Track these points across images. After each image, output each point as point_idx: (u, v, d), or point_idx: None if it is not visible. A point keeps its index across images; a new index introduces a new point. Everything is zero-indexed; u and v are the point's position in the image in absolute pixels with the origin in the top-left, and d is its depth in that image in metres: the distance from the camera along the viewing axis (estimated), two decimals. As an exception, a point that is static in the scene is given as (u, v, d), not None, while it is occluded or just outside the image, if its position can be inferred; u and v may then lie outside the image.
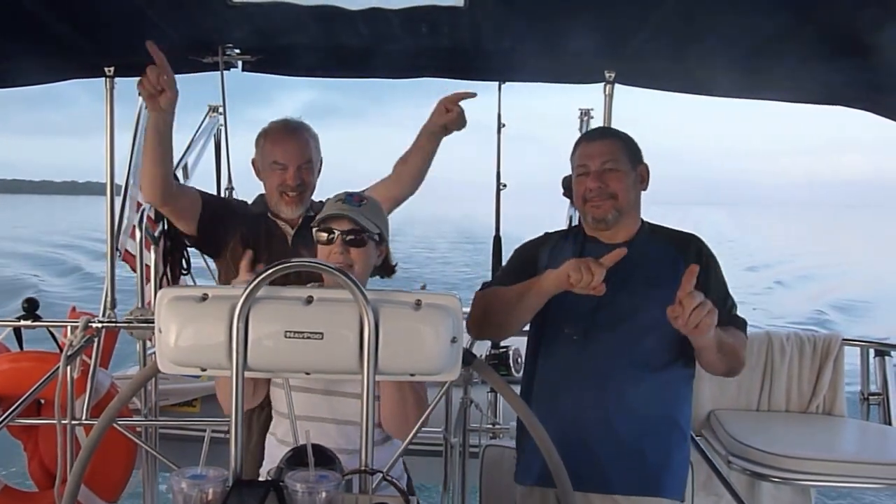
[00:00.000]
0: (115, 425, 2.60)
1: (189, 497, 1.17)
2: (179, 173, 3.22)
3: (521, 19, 2.43)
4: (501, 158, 3.32)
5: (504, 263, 2.28)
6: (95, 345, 3.00)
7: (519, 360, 3.55)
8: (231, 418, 1.24)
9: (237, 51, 2.87)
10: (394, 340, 1.23)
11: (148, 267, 3.20)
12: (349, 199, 1.82)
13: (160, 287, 3.00)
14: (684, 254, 1.99)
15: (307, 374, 1.31)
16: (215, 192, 3.79)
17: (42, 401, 3.12)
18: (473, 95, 2.27)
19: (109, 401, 2.86)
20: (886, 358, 3.14)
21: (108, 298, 3.13)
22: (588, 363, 1.98)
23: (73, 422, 2.87)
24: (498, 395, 3.25)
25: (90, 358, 3.01)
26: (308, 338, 1.21)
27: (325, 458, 1.31)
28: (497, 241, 3.33)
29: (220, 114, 3.73)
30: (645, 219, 2.11)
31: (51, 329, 3.26)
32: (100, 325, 3.02)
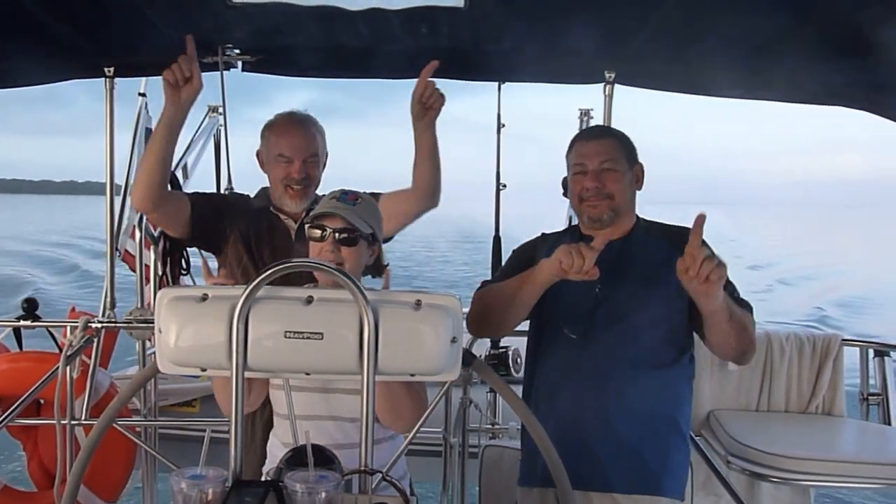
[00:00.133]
0: (114, 425, 2.60)
1: (189, 497, 1.17)
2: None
3: (521, 19, 2.43)
4: (501, 158, 3.32)
5: (503, 264, 2.28)
6: (95, 345, 3.00)
7: (518, 360, 3.55)
8: (231, 418, 1.24)
9: (237, 51, 2.86)
10: (393, 340, 1.23)
11: (147, 267, 3.20)
12: (343, 197, 1.81)
13: (160, 287, 3.01)
14: (679, 248, 1.98)
15: (307, 374, 1.31)
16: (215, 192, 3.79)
17: (41, 401, 3.12)
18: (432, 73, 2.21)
19: (109, 401, 2.86)
20: (886, 358, 3.14)
21: (108, 298, 3.13)
22: (587, 363, 1.98)
23: (73, 422, 2.87)
24: (497, 395, 3.25)
25: (90, 358, 3.01)
26: (308, 338, 1.21)
27: (324, 458, 1.31)
28: (497, 241, 3.33)
29: (220, 114, 3.73)
30: (641, 216, 2.11)
31: (50, 329, 3.26)
32: (99, 325, 3.02)
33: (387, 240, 2.42)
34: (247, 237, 2.38)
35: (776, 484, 2.74)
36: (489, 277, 3.31)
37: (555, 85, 3.16)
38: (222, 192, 3.71)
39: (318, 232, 1.76)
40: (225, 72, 2.92)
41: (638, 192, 2.10)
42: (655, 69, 2.89)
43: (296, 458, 1.31)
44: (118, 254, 3.25)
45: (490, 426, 3.17)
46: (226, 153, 3.66)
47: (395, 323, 1.23)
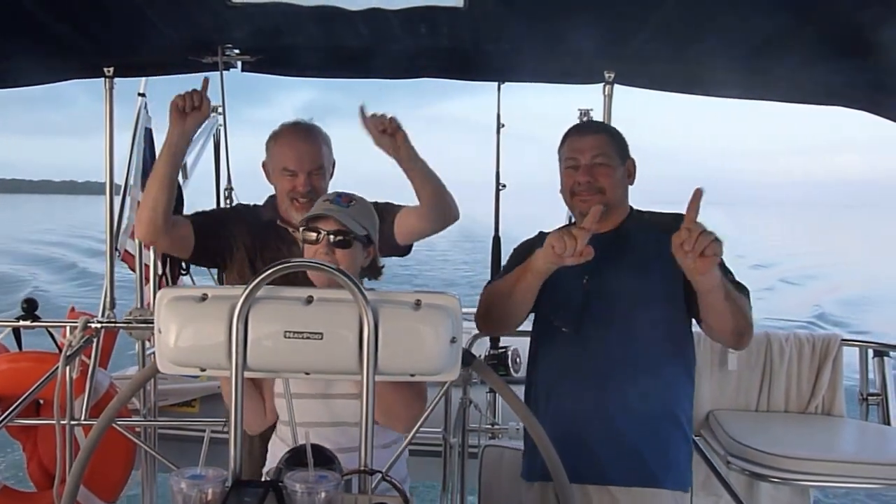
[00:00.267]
0: (114, 425, 2.60)
1: (188, 497, 1.17)
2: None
3: (520, 19, 2.43)
4: (501, 158, 3.33)
5: (503, 263, 2.28)
6: (94, 345, 3.00)
7: (518, 360, 3.55)
8: (231, 418, 1.24)
9: (237, 51, 2.86)
10: (393, 341, 1.23)
11: (147, 267, 3.20)
12: (337, 199, 1.81)
13: (159, 287, 3.01)
14: (670, 234, 1.97)
15: (307, 374, 1.31)
16: (214, 193, 3.79)
17: (41, 401, 3.12)
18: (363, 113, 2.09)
19: (108, 401, 2.87)
20: (885, 358, 3.14)
21: (108, 298, 3.13)
22: (582, 356, 1.98)
23: (72, 422, 2.87)
24: (497, 395, 3.25)
25: (89, 358, 3.01)
26: (308, 338, 1.21)
27: (324, 458, 1.31)
28: (496, 241, 3.33)
29: (220, 114, 3.73)
30: (635, 207, 2.10)
31: (50, 329, 3.26)
32: (99, 325, 3.02)
33: (407, 250, 2.41)
34: (252, 250, 2.35)
35: (776, 484, 2.74)
36: (489, 277, 3.33)
37: (554, 85, 3.16)
38: (222, 191, 3.71)
39: (312, 235, 1.76)
40: (224, 72, 2.92)
41: (635, 193, 2.10)
42: (655, 69, 2.89)
43: (295, 458, 1.31)
44: (118, 254, 3.25)
45: (490, 426, 3.17)
46: (225, 153, 3.66)
47: (395, 323, 1.23)
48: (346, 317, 1.22)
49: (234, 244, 2.37)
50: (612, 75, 2.96)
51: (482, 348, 3.57)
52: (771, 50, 2.40)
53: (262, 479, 1.30)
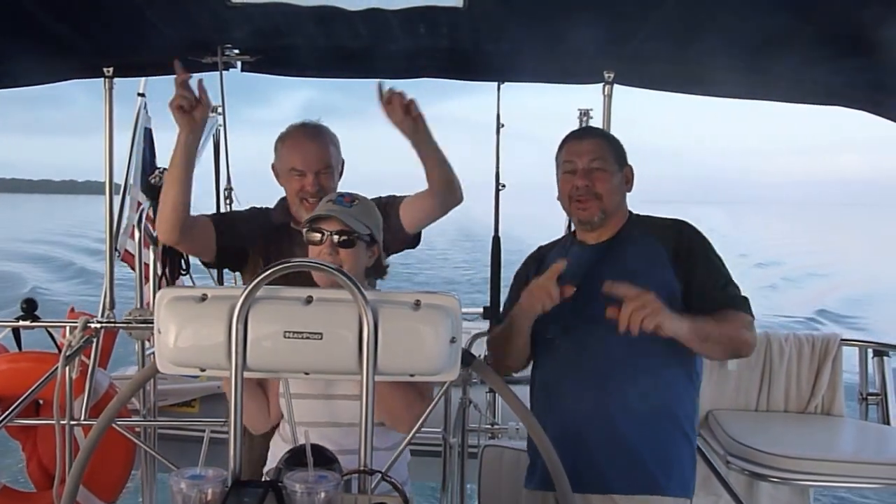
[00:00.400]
0: (114, 425, 2.60)
1: (188, 497, 1.17)
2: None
3: (520, 19, 2.43)
4: (500, 158, 3.32)
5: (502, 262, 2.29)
6: (94, 345, 3.00)
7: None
8: (230, 418, 1.24)
9: (236, 51, 2.87)
10: (393, 341, 1.22)
11: (147, 266, 3.20)
12: (339, 199, 1.82)
13: (159, 287, 3.01)
14: (665, 241, 1.97)
15: (306, 374, 1.31)
16: (214, 193, 3.79)
17: (41, 401, 3.12)
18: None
19: (108, 401, 2.87)
20: (885, 358, 3.14)
21: (107, 298, 3.13)
22: (574, 366, 1.98)
23: (72, 422, 2.87)
24: (497, 395, 3.25)
25: (89, 358, 3.01)
26: (307, 338, 1.21)
27: (324, 458, 1.31)
28: (496, 241, 3.33)
29: (220, 114, 3.73)
30: (634, 212, 2.10)
31: (49, 329, 3.26)
32: (98, 325, 3.02)
33: (417, 239, 2.42)
34: (267, 255, 2.36)
35: (775, 484, 2.74)
36: (488, 276, 3.33)
37: (554, 85, 3.16)
38: (221, 191, 3.71)
39: (317, 235, 1.77)
40: (224, 72, 2.92)
41: (636, 193, 2.09)
42: (655, 69, 2.89)
43: (294, 458, 1.31)
44: (117, 254, 3.25)
45: (489, 426, 3.17)
46: (225, 153, 3.66)
47: (395, 323, 1.23)
48: (345, 317, 1.22)
49: (250, 247, 2.38)
50: (612, 75, 2.96)
51: (482, 348, 3.57)
52: (771, 50, 2.40)
53: (262, 479, 1.30)
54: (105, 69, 2.93)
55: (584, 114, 3.28)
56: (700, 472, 2.72)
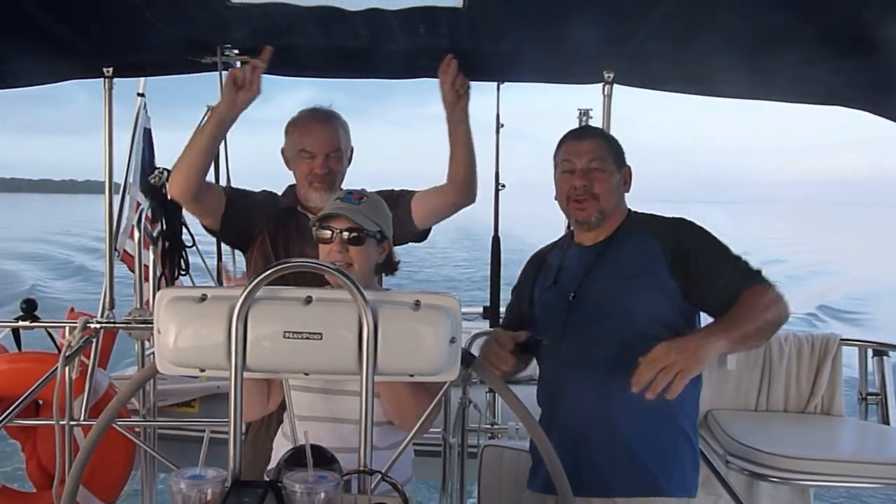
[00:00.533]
0: (113, 426, 2.60)
1: (188, 497, 1.17)
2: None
3: (519, 19, 2.42)
4: (500, 158, 3.32)
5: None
6: (94, 345, 3.00)
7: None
8: (230, 418, 1.24)
9: (236, 51, 2.86)
10: (393, 341, 1.22)
11: (146, 267, 3.20)
12: (348, 196, 1.82)
13: (158, 287, 3.00)
14: (664, 239, 1.95)
15: (306, 374, 1.31)
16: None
17: (40, 401, 3.12)
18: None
19: (108, 401, 2.87)
20: (884, 358, 3.14)
21: (107, 299, 3.13)
22: (570, 367, 1.97)
23: (72, 422, 2.87)
24: (496, 395, 3.25)
25: (88, 358, 3.01)
26: (307, 338, 1.21)
27: (324, 458, 1.31)
28: (496, 241, 3.33)
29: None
30: (633, 210, 2.10)
31: (49, 330, 3.26)
32: (98, 325, 3.02)
33: (424, 234, 2.43)
34: (275, 237, 2.38)
35: (775, 483, 2.74)
36: (488, 275, 3.33)
37: (554, 85, 3.16)
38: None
39: (327, 233, 1.78)
40: (224, 72, 2.92)
41: (635, 192, 2.09)
42: (655, 69, 2.89)
43: (295, 458, 1.31)
44: (117, 254, 3.25)
45: (489, 426, 3.17)
46: (225, 153, 3.66)
47: (394, 323, 1.23)
48: (345, 317, 1.22)
49: (259, 226, 2.40)
50: (612, 75, 2.95)
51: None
52: (771, 49, 2.40)
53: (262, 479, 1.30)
54: (105, 69, 2.93)
55: (584, 114, 3.28)
56: (700, 472, 2.73)
